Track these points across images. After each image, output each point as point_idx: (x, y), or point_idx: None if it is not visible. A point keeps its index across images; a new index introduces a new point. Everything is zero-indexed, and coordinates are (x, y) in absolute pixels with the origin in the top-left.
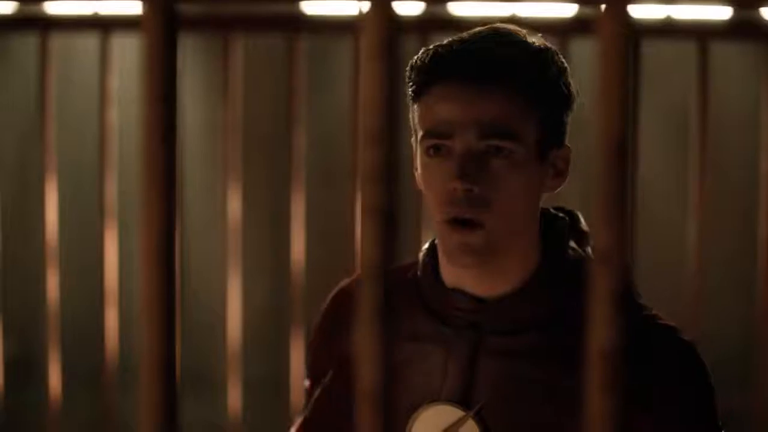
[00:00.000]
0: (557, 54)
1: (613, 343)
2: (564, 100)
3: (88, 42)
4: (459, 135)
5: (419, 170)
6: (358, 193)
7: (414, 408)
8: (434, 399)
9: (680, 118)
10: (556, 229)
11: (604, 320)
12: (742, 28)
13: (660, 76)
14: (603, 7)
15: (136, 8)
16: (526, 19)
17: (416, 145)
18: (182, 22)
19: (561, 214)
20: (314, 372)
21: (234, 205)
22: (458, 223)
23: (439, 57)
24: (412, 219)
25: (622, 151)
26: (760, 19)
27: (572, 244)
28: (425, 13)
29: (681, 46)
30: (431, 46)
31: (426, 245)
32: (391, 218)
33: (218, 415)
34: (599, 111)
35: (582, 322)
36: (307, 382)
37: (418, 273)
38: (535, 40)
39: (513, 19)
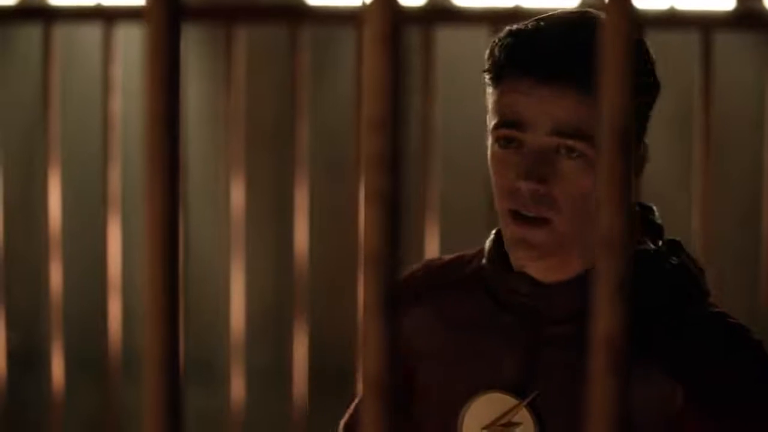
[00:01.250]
0: (643, 44)
1: (617, 327)
2: (646, 96)
3: (92, 32)
4: (532, 130)
5: (489, 156)
6: (362, 184)
7: (470, 395)
8: (489, 387)
9: (684, 108)
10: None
11: (609, 304)
12: (746, 18)
13: (663, 67)
14: None
15: None
16: (529, 9)
17: (488, 130)
18: (185, 12)
19: (636, 206)
20: None
21: (237, 196)
22: (521, 216)
23: (517, 48)
24: (415, 207)
25: (625, 136)
26: (764, 9)
27: (646, 239)
28: (428, 3)
29: (684, 37)
30: (514, 28)
31: (493, 232)
32: (395, 205)
33: (221, 405)
34: (603, 97)
35: (639, 313)
36: None
37: (483, 260)
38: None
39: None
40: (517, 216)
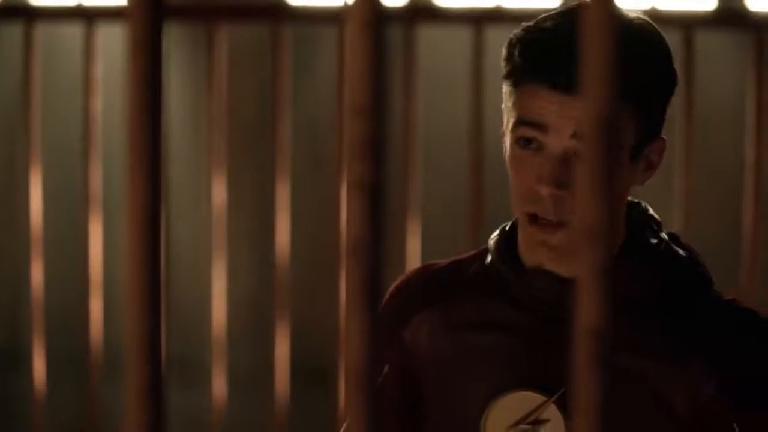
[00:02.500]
0: (661, 38)
1: (600, 319)
2: (666, 91)
3: (73, 31)
4: (553, 133)
5: (508, 155)
6: (344, 184)
7: (492, 395)
8: (514, 386)
9: None
10: (635, 217)
11: (591, 295)
12: (726, 17)
13: None
14: None
15: None
16: (511, 10)
17: (507, 128)
18: (167, 11)
19: (639, 201)
20: None
21: (219, 194)
22: (541, 220)
23: (537, 55)
24: (397, 205)
25: (608, 128)
26: (745, 9)
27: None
28: (410, 3)
29: (666, 35)
30: (532, 27)
31: (496, 232)
32: (379, 193)
33: (202, 405)
34: (587, 91)
35: (663, 307)
36: None
37: (489, 259)
38: (638, 24)
39: None
40: (536, 219)
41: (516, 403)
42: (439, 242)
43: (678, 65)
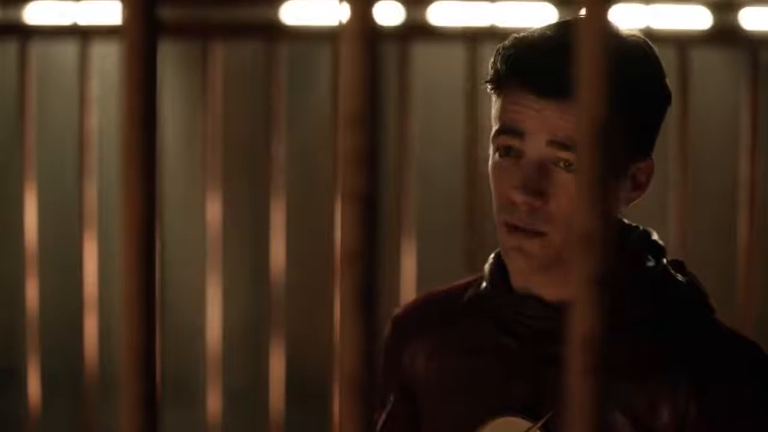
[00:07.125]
0: (653, 56)
1: (595, 327)
2: (655, 108)
3: (68, 49)
4: (530, 140)
5: (490, 165)
6: (339, 201)
7: (480, 421)
8: (501, 411)
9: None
10: (632, 239)
11: (586, 304)
12: (721, 35)
13: None
14: (583, 11)
15: (116, 16)
16: (505, 29)
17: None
18: (162, 29)
19: (637, 225)
20: (379, 397)
21: (214, 214)
22: (516, 228)
23: (519, 60)
24: (391, 224)
25: (602, 137)
26: (739, 27)
27: (650, 256)
28: (405, 21)
29: (661, 53)
30: (519, 36)
31: (492, 255)
32: (372, 204)
33: (197, 423)
34: (581, 100)
35: (658, 332)
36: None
37: (484, 284)
38: (630, 41)
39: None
40: (512, 227)
41: (503, 428)
42: (435, 256)
43: (673, 83)
